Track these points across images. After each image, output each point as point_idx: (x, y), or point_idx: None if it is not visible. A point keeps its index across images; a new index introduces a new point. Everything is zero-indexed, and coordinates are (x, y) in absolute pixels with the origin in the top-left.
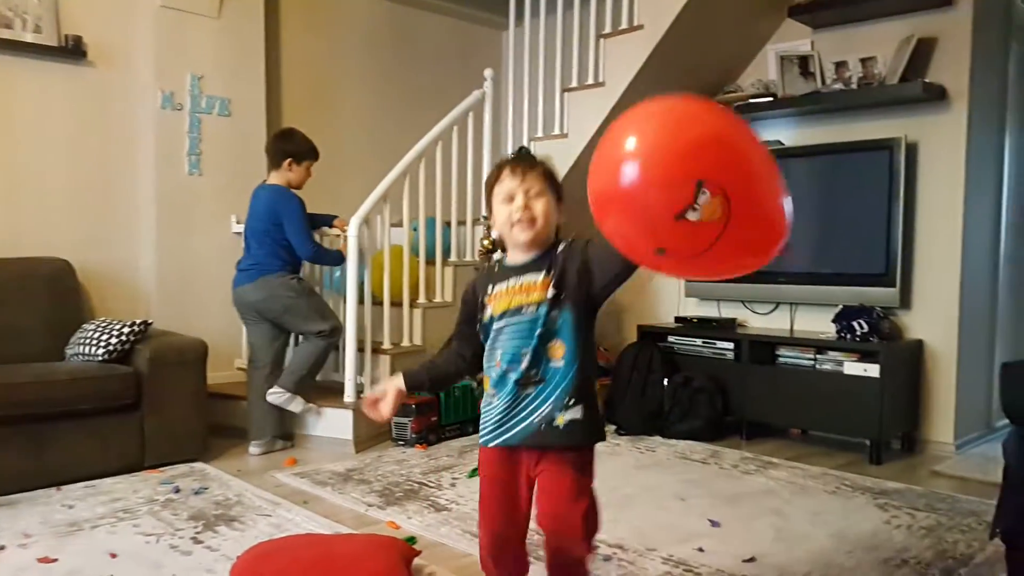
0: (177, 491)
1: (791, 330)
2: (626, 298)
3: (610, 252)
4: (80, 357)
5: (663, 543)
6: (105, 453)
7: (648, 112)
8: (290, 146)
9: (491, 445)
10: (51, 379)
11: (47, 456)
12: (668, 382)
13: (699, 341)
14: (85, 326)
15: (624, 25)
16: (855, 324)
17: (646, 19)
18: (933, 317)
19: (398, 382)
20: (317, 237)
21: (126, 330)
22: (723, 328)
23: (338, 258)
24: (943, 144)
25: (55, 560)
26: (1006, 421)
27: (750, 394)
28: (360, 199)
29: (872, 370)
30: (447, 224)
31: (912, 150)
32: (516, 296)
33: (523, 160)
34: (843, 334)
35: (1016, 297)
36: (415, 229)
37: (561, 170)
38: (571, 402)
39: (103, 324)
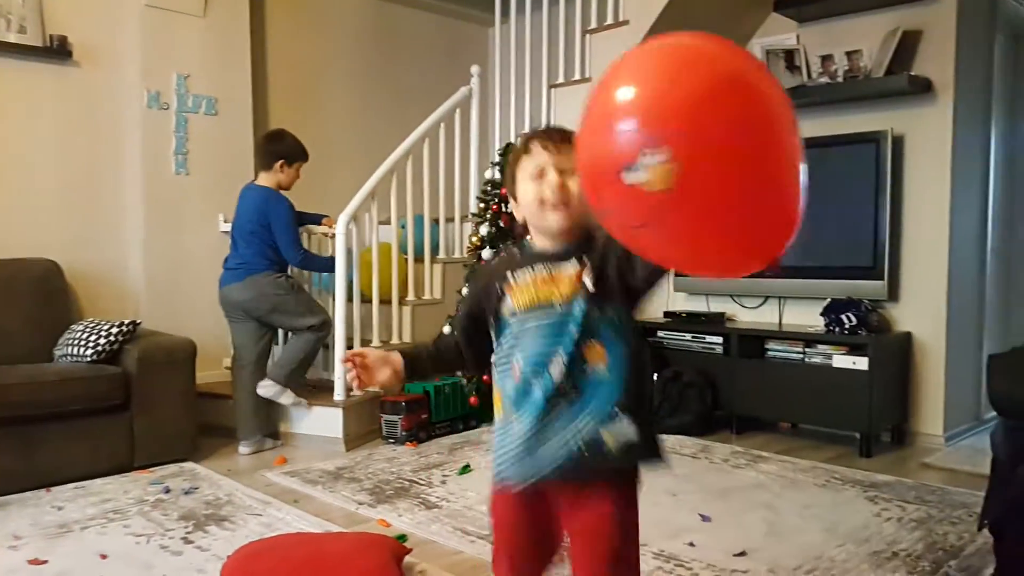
0: (167, 491)
1: (780, 324)
2: None
3: None
4: (69, 358)
5: (654, 538)
6: (94, 454)
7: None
8: (281, 148)
9: (511, 484)
10: (40, 380)
11: (36, 457)
12: (657, 377)
13: (688, 336)
14: (73, 327)
15: (609, 20)
16: (843, 317)
17: (631, 14)
18: (921, 309)
19: (398, 359)
20: (305, 236)
21: (114, 330)
22: (712, 322)
23: (327, 265)
24: (929, 136)
25: (45, 562)
26: (995, 413)
27: (740, 388)
28: (348, 197)
29: (861, 363)
30: (435, 221)
31: (898, 143)
32: (544, 288)
33: (557, 133)
34: (831, 327)
35: (1003, 289)
36: (403, 226)
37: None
38: (618, 416)
39: (91, 325)
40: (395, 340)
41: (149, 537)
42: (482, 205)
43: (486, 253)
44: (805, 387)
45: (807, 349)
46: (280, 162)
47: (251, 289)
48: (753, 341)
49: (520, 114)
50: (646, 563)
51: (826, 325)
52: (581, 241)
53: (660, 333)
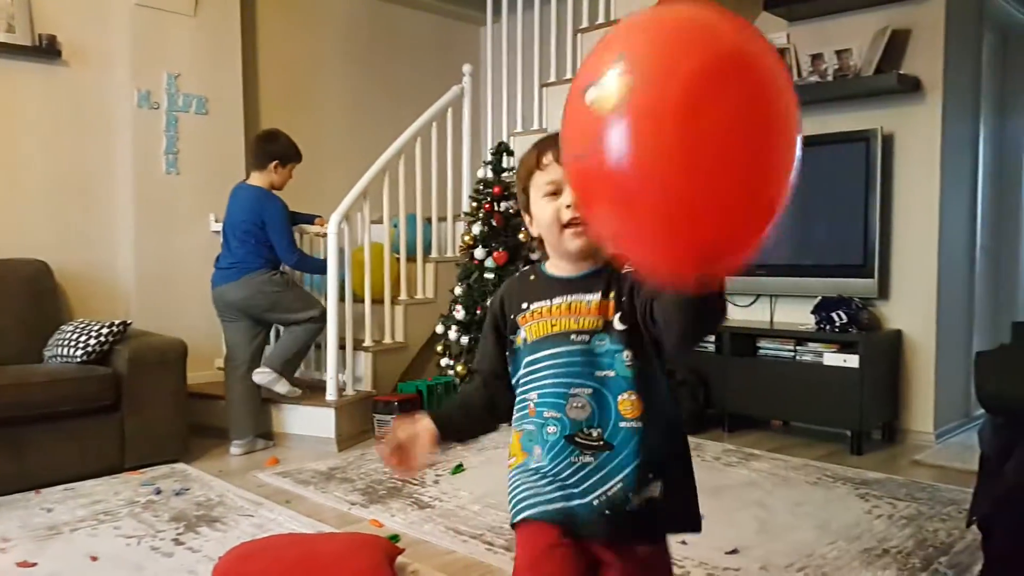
0: (158, 492)
1: (771, 322)
2: None
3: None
4: (58, 359)
5: None
6: (84, 455)
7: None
8: (276, 148)
9: (533, 515)
10: (29, 381)
11: (25, 459)
12: None
13: None
14: (63, 327)
15: (600, 19)
16: (834, 315)
17: (622, 13)
18: (911, 307)
19: (426, 422)
20: (297, 235)
21: (105, 331)
22: None
23: (321, 268)
24: (919, 135)
25: (34, 564)
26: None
27: (731, 386)
28: (340, 196)
29: (852, 361)
30: (427, 220)
31: (888, 141)
32: (562, 318)
33: None
34: (822, 325)
35: (992, 286)
36: (395, 226)
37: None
38: (651, 482)
39: (81, 325)
40: (387, 340)
41: (140, 538)
42: (474, 204)
43: (479, 252)
44: (796, 385)
45: (798, 347)
46: (274, 162)
47: (247, 288)
48: (745, 339)
49: (512, 113)
50: None
51: (817, 323)
52: (604, 266)
53: None
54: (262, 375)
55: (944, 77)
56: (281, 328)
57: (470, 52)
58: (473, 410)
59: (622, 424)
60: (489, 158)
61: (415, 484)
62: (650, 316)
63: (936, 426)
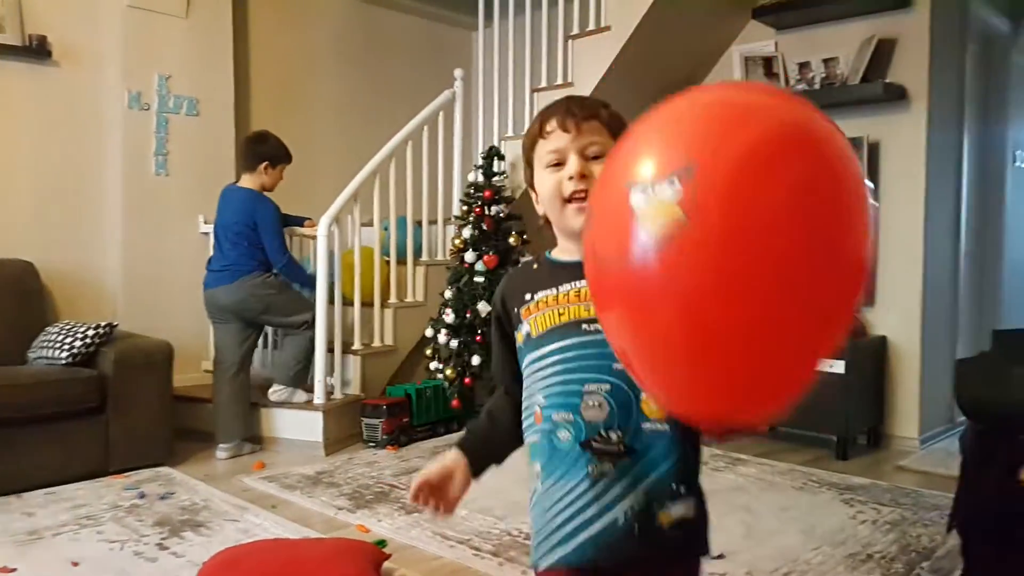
0: (142, 496)
1: None
2: None
3: None
4: (43, 360)
5: None
6: (68, 458)
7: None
8: (266, 149)
9: (550, 564)
10: (13, 383)
11: (7, 462)
12: None
13: None
14: (49, 329)
15: (592, 26)
16: None
17: (613, 20)
18: (896, 314)
19: (456, 458)
20: (287, 237)
21: (91, 332)
22: None
23: (307, 279)
24: (904, 143)
25: (14, 570)
26: None
27: None
28: (331, 199)
29: (838, 366)
30: (418, 223)
31: (874, 149)
32: (571, 306)
33: (578, 104)
34: None
35: (976, 293)
36: (386, 228)
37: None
38: (681, 489)
39: (67, 327)
40: (376, 343)
41: (123, 543)
42: (465, 208)
43: (469, 256)
44: None
45: None
46: (264, 164)
47: (242, 291)
48: None
49: (503, 117)
50: None
51: None
52: None
53: None
54: (278, 393)
55: (929, 86)
56: (269, 330)
57: (462, 57)
58: (501, 424)
59: (646, 426)
60: (480, 162)
61: (402, 488)
62: None
63: (921, 432)
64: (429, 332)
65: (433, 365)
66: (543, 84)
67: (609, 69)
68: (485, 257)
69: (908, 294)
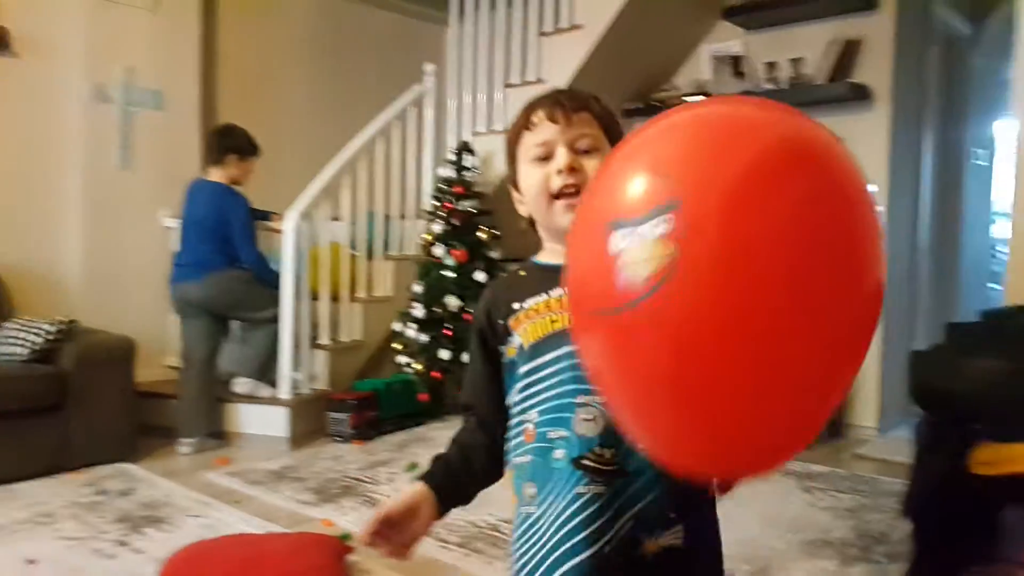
0: (102, 493)
1: None
2: None
3: None
4: (2, 357)
5: None
6: (26, 456)
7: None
8: (232, 142)
9: None
10: None
11: None
12: None
13: None
14: (6, 325)
15: (564, 24)
16: None
17: (584, 19)
18: None
19: (423, 492)
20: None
21: (51, 329)
22: None
23: (273, 280)
24: (868, 142)
25: None
26: None
27: None
28: (299, 193)
29: None
30: (387, 218)
31: None
32: (564, 312)
33: (567, 96)
34: None
35: (935, 288)
36: (354, 223)
37: (505, 166)
38: (673, 523)
39: (26, 323)
40: (344, 338)
41: (82, 540)
42: (435, 203)
43: (438, 250)
44: None
45: None
46: (232, 156)
47: (212, 287)
48: None
49: (475, 113)
50: None
51: None
52: None
53: None
54: (244, 385)
55: (892, 87)
56: (236, 324)
57: (433, 52)
58: (472, 463)
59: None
60: (451, 157)
61: (367, 483)
62: None
63: (879, 421)
64: (398, 326)
65: (402, 359)
66: (515, 80)
67: (580, 67)
68: (453, 251)
69: None
